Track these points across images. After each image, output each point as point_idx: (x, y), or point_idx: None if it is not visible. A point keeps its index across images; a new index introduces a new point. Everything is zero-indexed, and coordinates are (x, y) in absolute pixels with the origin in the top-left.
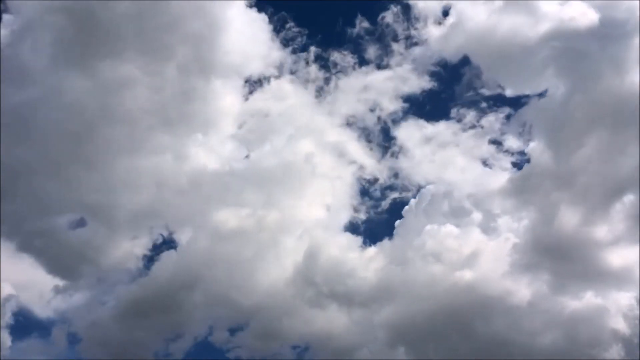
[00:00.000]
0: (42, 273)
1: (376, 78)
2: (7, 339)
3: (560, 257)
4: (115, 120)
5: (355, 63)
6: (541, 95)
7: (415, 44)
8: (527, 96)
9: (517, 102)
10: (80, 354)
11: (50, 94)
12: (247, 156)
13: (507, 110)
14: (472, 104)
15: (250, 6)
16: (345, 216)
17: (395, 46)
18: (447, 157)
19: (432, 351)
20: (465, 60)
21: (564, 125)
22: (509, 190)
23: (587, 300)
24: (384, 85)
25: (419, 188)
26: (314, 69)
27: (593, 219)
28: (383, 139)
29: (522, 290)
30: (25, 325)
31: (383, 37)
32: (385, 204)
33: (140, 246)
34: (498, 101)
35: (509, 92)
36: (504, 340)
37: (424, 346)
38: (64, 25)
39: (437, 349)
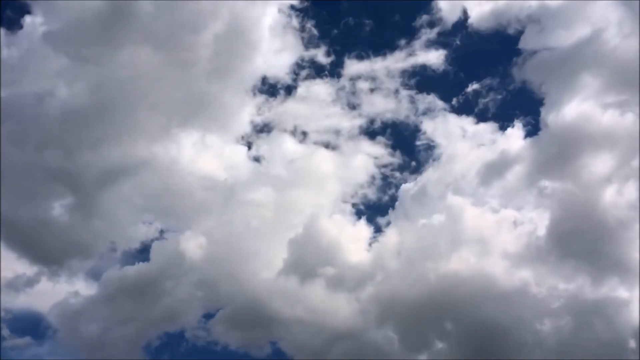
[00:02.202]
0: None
1: (395, 67)
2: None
3: (580, 244)
4: (122, 111)
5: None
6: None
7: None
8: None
9: None
10: (59, 344)
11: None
12: (258, 158)
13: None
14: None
15: (281, 12)
16: (354, 209)
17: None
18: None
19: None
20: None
21: None
22: (523, 166)
23: (607, 291)
24: (403, 74)
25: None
26: (331, 67)
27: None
28: (402, 135)
29: (530, 276)
30: (14, 319)
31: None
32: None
33: (136, 236)
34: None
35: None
36: (506, 329)
37: (419, 333)
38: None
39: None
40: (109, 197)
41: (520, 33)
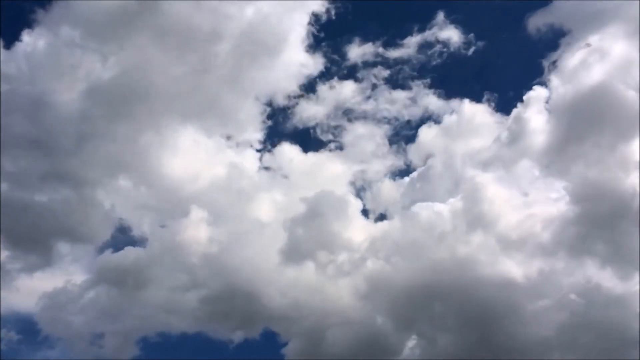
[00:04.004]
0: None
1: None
2: None
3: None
4: (131, 107)
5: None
6: None
7: None
8: None
9: None
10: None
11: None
12: (266, 166)
13: None
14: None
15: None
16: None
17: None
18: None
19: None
20: None
21: None
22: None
23: (629, 285)
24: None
25: None
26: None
27: None
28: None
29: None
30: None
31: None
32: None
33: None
34: None
35: None
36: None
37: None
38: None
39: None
40: (110, 185)
41: None
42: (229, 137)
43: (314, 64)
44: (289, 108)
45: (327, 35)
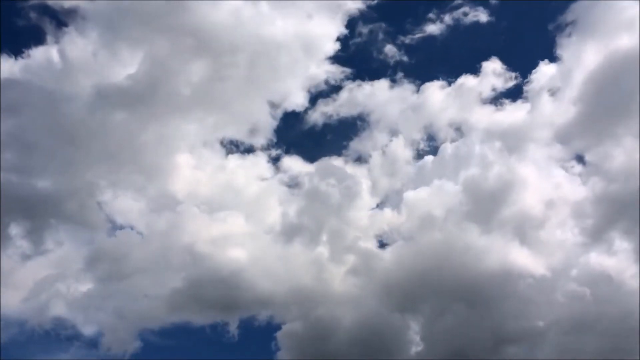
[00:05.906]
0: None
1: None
2: None
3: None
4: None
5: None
6: None
7: None
8: None
9: None
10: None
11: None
12: (274, 169)
13: None
14: None
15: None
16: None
17: None
18: None
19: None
20: None
21: None
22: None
23: None
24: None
25: None
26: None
27: None
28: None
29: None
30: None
31: None
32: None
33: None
34: None
35: None
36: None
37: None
38: None
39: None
40: (110, 177)
41: None
42: (235, 140)
43: (334, 67)
44: (303, 112)
45: (350, 37)
